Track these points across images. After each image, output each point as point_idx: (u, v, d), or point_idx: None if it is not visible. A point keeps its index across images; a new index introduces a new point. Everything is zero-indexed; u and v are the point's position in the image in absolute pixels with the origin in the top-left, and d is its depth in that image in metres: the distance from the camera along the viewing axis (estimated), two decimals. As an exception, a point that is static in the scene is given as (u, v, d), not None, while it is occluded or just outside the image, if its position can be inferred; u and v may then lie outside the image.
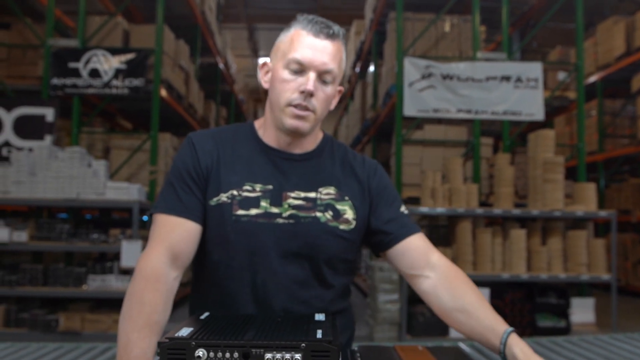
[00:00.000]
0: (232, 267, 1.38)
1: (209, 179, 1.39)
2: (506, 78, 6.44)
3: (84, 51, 6.42)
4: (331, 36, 1.38)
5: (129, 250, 5.50)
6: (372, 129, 9.00)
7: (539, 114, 6.50)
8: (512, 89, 6.43)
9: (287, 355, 0.93)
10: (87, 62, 6.38)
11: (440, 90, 6.37)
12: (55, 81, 6.37)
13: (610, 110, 9.41)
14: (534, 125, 7.60)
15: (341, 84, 1.49)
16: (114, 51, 6.45)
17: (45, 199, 5.65)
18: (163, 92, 6.61)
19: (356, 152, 1.55)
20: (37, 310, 5.67)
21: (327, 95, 1.39)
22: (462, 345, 1.71)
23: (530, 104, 6.44)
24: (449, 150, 6.90)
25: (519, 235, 5.75)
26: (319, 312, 1.33)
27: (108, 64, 6.38)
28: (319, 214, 1.39)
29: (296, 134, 1.40)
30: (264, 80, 1.45)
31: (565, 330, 5.68)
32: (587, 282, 6.02)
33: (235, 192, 1.37)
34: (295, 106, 1.36)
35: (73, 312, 5.70)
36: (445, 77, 6.38)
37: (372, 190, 1.47)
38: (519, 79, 6.45)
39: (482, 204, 6.37)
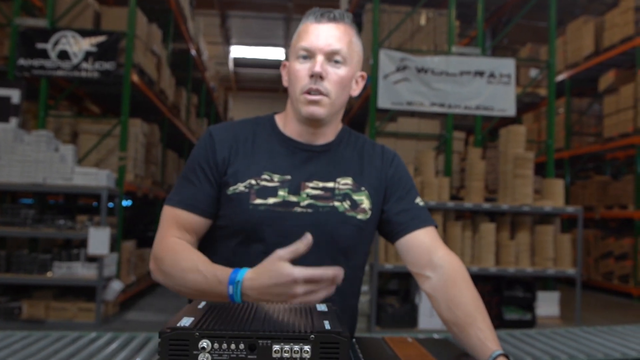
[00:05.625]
0: (249, 254, 1.36)
1: (227, 169, 1.40)
2: (480, 73, 6.50)
3: (53, 32, 6.22)
4: (333, 19, 1.40)
5: (96, 237, 5.39)
6: (344, 121, 8.99)
7: (510, 110, 6.58)
8: (485, 84, 6.50)
9: (296, 347, 0.90)
10: (56, 43, 6.18)
11: (414, 84, 6.39)
12: (22, 62, 6.16)
13: (577, 109, 9.62)
14: (504, 121, 7.70)
15: (363, 70, 1.50)
16: (85, 33, 6.26)
17: (10, 183, 5.48)
18: (134, 77, 6.46)
19: (375, 142, 1.56)
20: (-1, 297, 5.52)
21: (340, 77, 1.39)
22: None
23: (502, 100, 6.52)
24: (421, 144, 6.93)
25: (488, 229, 5.84)
26: (333, 303, 1.31)
27: (78, 46, 6.19)
28: (337, 204, 1.39)
29: (314, 121, 1.40)
30: (284, 80, 1.46)
31: (531, 323, 5.80)
32: (553, 276, 6.15)
33: (253, 182, 1.38)
34: (308, 92, 1.36)
35: (37, 300, 5.56)
36: (420, 70, 6.40)
37: (387, 179, 1.48)
38: (492, 75, 6.51)
39: (453, 197, 6.43)
